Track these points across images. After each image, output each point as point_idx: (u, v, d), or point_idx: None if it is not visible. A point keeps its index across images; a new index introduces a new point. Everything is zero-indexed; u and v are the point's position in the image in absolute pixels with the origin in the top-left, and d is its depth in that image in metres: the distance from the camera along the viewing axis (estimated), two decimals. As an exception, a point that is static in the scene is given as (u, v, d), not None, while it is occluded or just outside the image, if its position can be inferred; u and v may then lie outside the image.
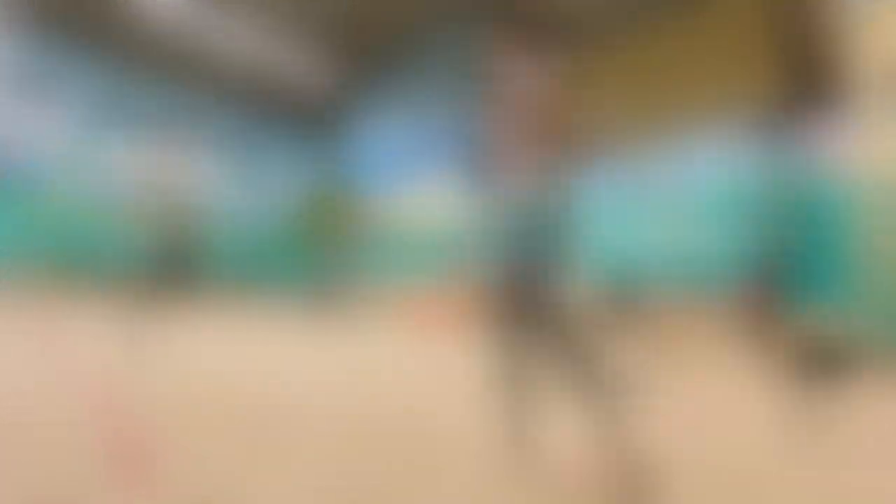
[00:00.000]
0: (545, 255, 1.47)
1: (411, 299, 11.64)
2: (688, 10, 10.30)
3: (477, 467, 1.38)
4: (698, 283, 7.36)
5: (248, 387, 2.34)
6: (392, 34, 12.76)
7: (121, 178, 12.37)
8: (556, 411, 2.12)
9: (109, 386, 2.18)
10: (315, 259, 14.67)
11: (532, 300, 1.43)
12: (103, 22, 11.89)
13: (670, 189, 7.95)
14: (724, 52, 10.27)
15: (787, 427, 2.09)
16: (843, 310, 5.90)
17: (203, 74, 14.66)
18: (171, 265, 5.69)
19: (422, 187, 13.02)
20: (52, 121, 11.38)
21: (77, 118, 11.46)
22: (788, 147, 6.78)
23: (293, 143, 15.50)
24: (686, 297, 7.43)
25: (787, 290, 6.44)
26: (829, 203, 6.30)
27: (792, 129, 6.81)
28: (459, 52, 12.16)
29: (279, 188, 14.20)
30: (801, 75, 10.01)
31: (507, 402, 1.49)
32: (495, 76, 1.62)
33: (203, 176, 13.95)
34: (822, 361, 4.00)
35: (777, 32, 9.68)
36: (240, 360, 3.22)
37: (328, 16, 11.21)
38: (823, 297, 6.15)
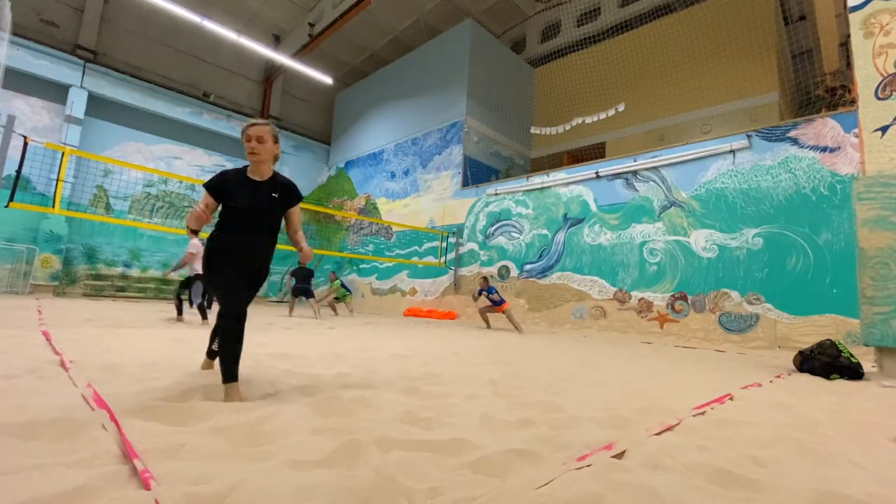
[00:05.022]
0: None
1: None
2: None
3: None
4: (692, 282, 7.37)
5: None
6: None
7: (125, 178, 12.37)
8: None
9: (107, 384, 2.18)
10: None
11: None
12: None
13: (667, 188, 7.95)
14: (726, 50, 10.27)
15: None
16: (841, 309, 5.91)
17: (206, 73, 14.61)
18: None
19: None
20: (55, 120, 11.37)
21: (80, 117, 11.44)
22: (788, 147, 6.78)
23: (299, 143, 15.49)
24: (678, 294, 7.44)
25: (785, 291, 6.44)
26: (828, 203, 6.30)
27: (792, 128, 6.81)
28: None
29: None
30: (802, 75, 10.01)
31: None
32: None
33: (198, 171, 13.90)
34: (818, 360, 4.00)
35: (779, 33, 9.66)
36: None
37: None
38: (822, 297, 6.16)
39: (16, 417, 1.56)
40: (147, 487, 1.11)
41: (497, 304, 7.66)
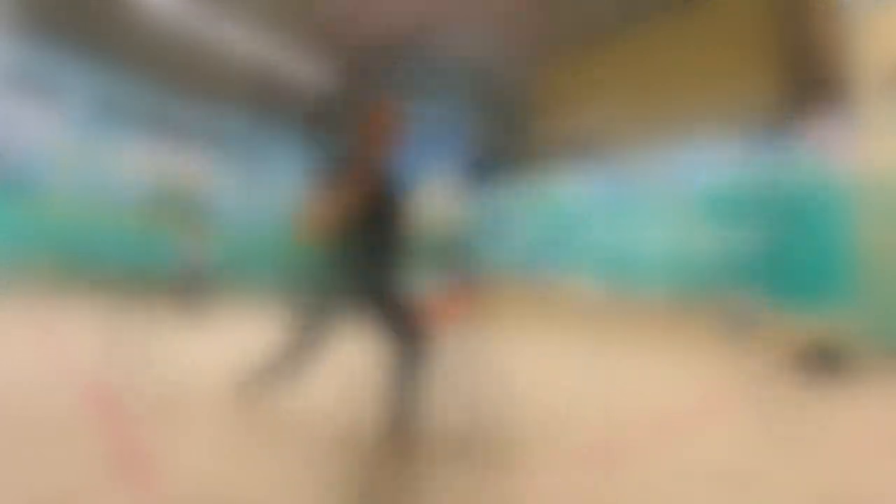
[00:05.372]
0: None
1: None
2: (686, 6, 10.28)
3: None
4: (691, 282, 7.37)
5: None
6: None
7: (123, 178, 12.37)
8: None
9: (108, 385, 2.18)
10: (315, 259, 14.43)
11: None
12: (104, 21, 11.85)
13: (666, 189, 7.95)
14: (723, 50, 10.29)
15: (773, 426, 2.10)
16: (841, 310, 5.91)
17: (205, 73, 14.64)
18: (182, 265, 5.59)
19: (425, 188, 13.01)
20: (53, 121, 11.36)
21: (78, 118, 11.44)
22: (787, 147, 6.78)
23: (295, 142, 15.45)
24: (676, 295, 7.44)
25: (784, 291, 6.44)
26: (827, 204, 6.30)
27: (791, 129, 6.81)
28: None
29: (281, 188, 14.19)
30: (800, 75, 10.03)
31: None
32: None
33: (205, 176, 13.94)
34: (817, 361, 4.00)
35: (777, 32, 9.68)
36: (241, 359, 3.22)
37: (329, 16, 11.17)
38: (822, 297, 6.16)
39: (17, 418, 1.57)
40: (147, 487, 1.11)
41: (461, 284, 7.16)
